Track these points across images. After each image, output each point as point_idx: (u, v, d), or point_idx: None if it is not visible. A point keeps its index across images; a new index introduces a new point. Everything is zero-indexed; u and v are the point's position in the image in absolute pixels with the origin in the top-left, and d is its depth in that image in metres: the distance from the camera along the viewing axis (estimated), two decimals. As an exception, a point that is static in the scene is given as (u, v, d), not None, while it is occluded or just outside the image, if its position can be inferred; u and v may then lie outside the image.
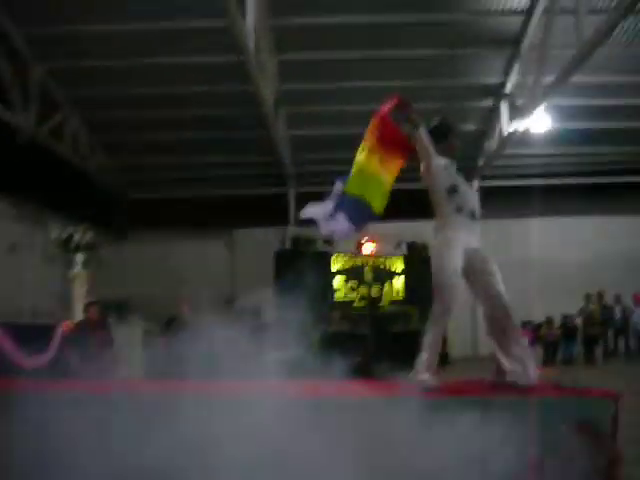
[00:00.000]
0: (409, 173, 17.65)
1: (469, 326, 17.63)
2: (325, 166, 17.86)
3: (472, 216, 4.42)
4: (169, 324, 9.14)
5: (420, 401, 3.72)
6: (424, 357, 4.20)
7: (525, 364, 4.23)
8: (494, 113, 15.90)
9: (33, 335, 7.86)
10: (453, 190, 4.42)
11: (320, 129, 16.47)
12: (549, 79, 12.33)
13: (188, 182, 18.34)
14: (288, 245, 13.92)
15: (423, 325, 14.06)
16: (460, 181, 4.49)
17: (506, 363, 4.26)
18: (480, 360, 16.97)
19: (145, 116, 15.73)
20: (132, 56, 13.54)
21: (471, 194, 4.54)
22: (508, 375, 4.19)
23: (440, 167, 4.43)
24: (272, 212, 18.12)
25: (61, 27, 12.73)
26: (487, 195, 18.39)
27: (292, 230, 16.87)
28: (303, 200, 17.51)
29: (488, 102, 15.82)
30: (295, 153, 17.50)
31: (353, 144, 15.44)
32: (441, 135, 4.58)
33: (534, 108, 13.32)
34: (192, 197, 18.08)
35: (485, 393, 3.97)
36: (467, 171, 16.58)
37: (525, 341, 4.39)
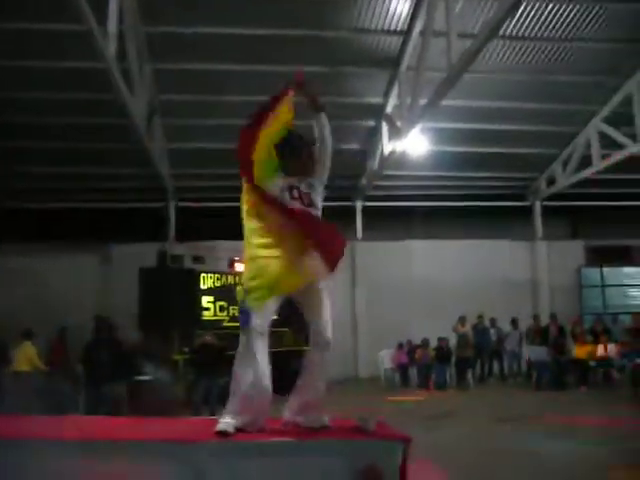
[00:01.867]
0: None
1: (350, 347, 17.52)
2: (206, 181, 17.48)
3: None
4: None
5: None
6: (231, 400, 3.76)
7: (317, 404, 3.91)
8: (376, 133, 15.85)
9: None
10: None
11: (200, 142, 15.95)
12: (424, 101, 12.36)
13: (60, 193, 17.40)
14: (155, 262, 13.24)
15: (297, 345, 13.76)
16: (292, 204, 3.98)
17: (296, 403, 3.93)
18: (358, 381, 16.89)
19: (14, 122, 14.76)
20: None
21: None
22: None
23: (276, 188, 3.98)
24: (151, 227, 17.44)
25: None
26: (369, 216, 18.68)
27: (164, 246, 16.27)
28: (184, 214, 17.05)
29: (370, 122, 15.78)
30: (174, 166, 16.89)
31: (232, 159, 14.98)
32: (286, 150, 4.11)
33: (410, 130, 13.31)
34: (64, 209, 17.15)
35: (264, 436, 3.58)
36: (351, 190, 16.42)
37: (321, 379, 4.00)
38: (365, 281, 17.99)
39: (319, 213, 4.11)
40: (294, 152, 4.09)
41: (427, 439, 7.88)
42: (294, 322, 14.66)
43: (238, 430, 3.58)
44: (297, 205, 3.96)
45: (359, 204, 18.76)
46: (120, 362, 9.78)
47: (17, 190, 17.62)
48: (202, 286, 13.33)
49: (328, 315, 3.97)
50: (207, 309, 13.34)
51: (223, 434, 3.51)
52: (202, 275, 13.31)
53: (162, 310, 12.29)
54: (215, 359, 10.08)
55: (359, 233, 18.64)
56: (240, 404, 3.69)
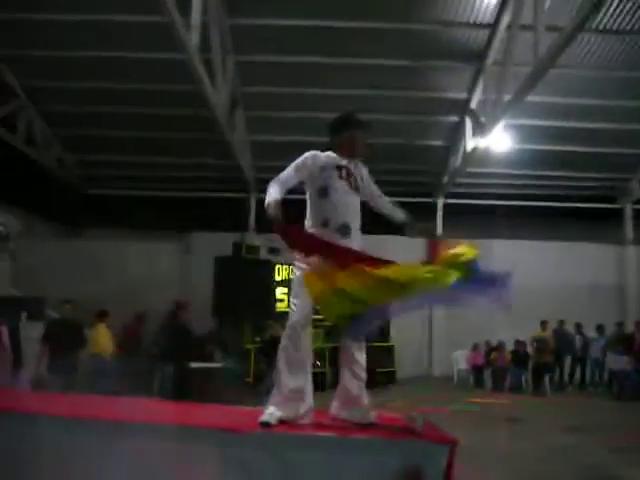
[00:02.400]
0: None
1: (425, 345, 17.28)
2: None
3: (343, 232, 3.84)
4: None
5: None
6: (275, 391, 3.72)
7: (362, 400, 3.82)
8: (459, 129, 15.50)
9: None
10: (323, 193, 3.89)
11: (281, 135, 16.02)
12: (509, 97, 11.98)
13: (143, 181, 17.90)
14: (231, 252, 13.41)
15: (367, 342, 13.63)
16: (340, 186, 3.92)
17: (341, 398, 3.85)
18: (431, 380, 16.62)
19: (102, 111, 15.30)
20: (89, 48, 13.12)
21: (349, 204, 3.94)
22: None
23: (315, 163, 3.93)
24: (232, 217, 17.69)
25: (17, 14, 12.31)
26: (449, 214, 18.30)
27: (242, 236, 16.50)
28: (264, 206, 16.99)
29: (454, 117, 15.44)
30: (256, 158, 17.07)
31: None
32: (336, 128, 4.09)
33: (494, 126, 12.95)
34: (148, 197, 17.61)
35: (306, 429, 3.52)
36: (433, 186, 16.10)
37: (363, 377, 3.90)
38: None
39: (358, 203, 3.99)
40: (349, 133, 4.03)
41: (483, 442, 7.72)
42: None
43: (281, 422, 3.53)
44: (344, 185, 3.89)
45: (440, 201, 18.44)
46: (190, 347, 9.93)
47: (102, 177, 18.26)
48: (277, 277, 13.42)
49: None
50: (281, 300, 13.42)
51: (265, 425, 3.47)
52: (277, 266, 13.39)
53: (236, 299, 12.43)
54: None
55: (439, 230, 18.30)
56: (283, 396, 3.64)
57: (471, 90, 14.28)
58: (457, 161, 16.10)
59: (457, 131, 15.69)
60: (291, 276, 13.48)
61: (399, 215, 4.24)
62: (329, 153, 4.04)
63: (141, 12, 11.49)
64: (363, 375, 3.88)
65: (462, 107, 14.83)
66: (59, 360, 7.71)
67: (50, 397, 4.91)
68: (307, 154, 3.99)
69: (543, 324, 14.92)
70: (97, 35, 12.66)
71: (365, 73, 13.86)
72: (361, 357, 3.88)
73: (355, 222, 3.96)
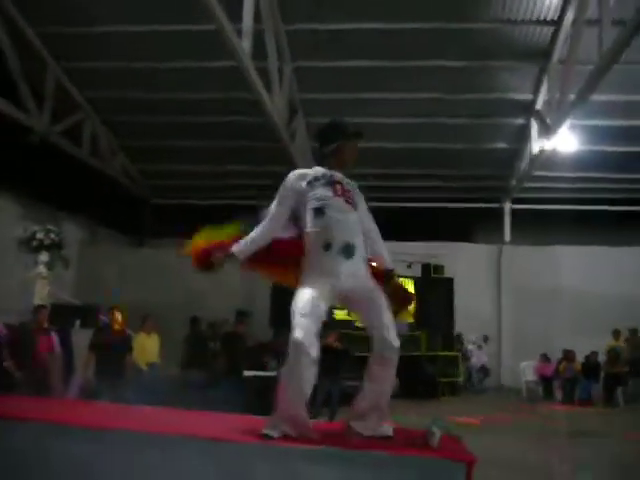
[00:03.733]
0: (421, 193, 16.94)
1: (494, 354, 16.72)
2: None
3: (347, 253, 3.50)
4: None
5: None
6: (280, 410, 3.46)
7: (379, 412, 3.56)
8: (525, 131, 14.96)
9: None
10: (318, 213, 3.56)
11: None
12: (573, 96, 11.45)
13: (209, 190, 18.07)
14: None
15: (432, 351, 13.22)
16: (336, 204, 3.57)
17: (358, 410, 3.60)
18: (499, 391, 16.03)
19: (166, 121, 15.54)
20: (151, 59, 13.34)
21: (350, 222, 3.58)
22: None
23: (300, 182, 3.63)
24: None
25: (80, 27, 12.64)
26: (517, 219, 17.71)
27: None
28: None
29: (519, 120, 14.91)
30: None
31: (378, 158, 14.81)
32: (326, 137, 3.76)
33: (559, 127, 12.41)
34: (213, 205, 17.74)
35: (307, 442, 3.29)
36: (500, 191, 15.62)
37: (387, 387, 3.63)
38: (511, 286, 17.07)
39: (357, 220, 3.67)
40: (341, 141, 3.72)
41: (538, 456, 7.28)
42: (428, 325, 14.49)
43: (284, 435, 3.32)
44: (341, 202, 3.60)
45: (507, 206, 17.88)
46: (245, 357, 9.85)
47: (166, 187, 18.55)
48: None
49: (389, 318, 3.56)
50: (340, 309, 13.18)
51: (266, 437, 3.27)
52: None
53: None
54: (337, 361, 9.83)
55: (507, 236, 17.75)
56: (286, 410, 3.41)
57: (536, 90, 13.77)
58: (524, 164, 15.56)
59: (523, 133, 15.15)
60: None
61: (386, 259, 3.81)
62: (317, 168, 3.72)
63: (197, 22, 11.51)
64: (382, 386, 3.61)
65: (527, 108, 14.32)
66: (105, 368, 7.75)
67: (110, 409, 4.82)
68: (289, 175, 3.68)
69: (616, 333, 14.17)
70: (158, 45, 12.83)
71: (426, 76, 13.56)
72: (379, 367, 3.60)
73: (358, 240, 3.59)
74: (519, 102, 14.27)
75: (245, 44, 10.40)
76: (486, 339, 16.23)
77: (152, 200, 18.71)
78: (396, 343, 3.53)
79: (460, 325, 15.12)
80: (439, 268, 14.83)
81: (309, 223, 3.58)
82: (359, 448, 3.23)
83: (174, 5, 11.54)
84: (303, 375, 3.42)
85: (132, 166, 17.68)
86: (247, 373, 9.59)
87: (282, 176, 3.71)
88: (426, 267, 14.73)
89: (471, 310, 15.59)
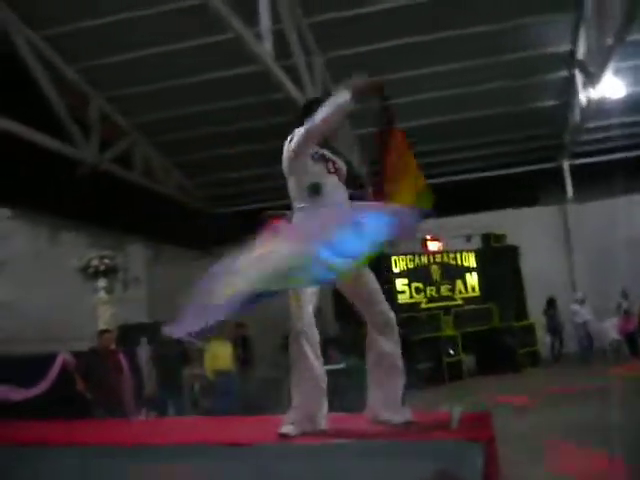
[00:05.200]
0: (473, 163, 16.60)
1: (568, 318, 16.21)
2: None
3: None
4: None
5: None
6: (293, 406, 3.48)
7: (397, 397, 3.55)
8: (570, 84, 14.45)
9: (33, 366, 7.99)
10: (315, 191, 3.58)
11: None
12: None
13: (264, 192, 18.24)
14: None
15: (506, 323, 12.98)
16: (330, 182, 3.59)
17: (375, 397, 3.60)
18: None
19: (213, 132, 15.79)
20: (187, 75, 13.60)
21: (343, 201, 3.58)
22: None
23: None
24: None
25: (114, 57, 13.03)
26: (578, 175, 17.09)
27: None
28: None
29: (562, 72, 14.41)
30: (367, 152, 16.88)
31: (425, 134, 14.54)
32: (306, 115, 3.64)
33: (603, 73, 11.93)
34: (269, 207, 17.92)
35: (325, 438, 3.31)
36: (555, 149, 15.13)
37: (399, 369, 3.62)
38: (581, 246, 16.49)
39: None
40: None
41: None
42: (495, 298, 14.18)
43: (302, 432, 3.36)
44: (334, 180, 3.61)
45: (566, 163, 17.30)
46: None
47: (223, 196, 18.87)
48: (395, 269, 13.17)
49: (382, 297, 3.58)
50: (402, 292, 13.15)
51: (284, 436, 3.32)
52: (394, 258, 13.12)
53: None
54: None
55: (570, 194, 17.20)
56: (299, 409, 3.44)
57: (574, 40, 13.25)
58: (575, 118, 15.03)
59: (568, 86, 14.63)
60: (409, 266, 13.30)
61: None
62: None
63: (222, 32, 11.62)
64: (396, 369, 3.59)
65: (568, 60, 13.79)
66: (165, 380, 8.02)
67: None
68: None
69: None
70: (191, 60, 13.03)
71: (460, 45, 13.25)
72: (390, 347, 3.56)
73: None
74: (559, 55, 13.77)
75: (266, 46, 10.51)
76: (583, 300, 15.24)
77: (211, 210, 19.08)
78: (392, 314, 3.55)
79: (531, 292, 14.71)
80: (500, 237, 14.51)
81: (303, 198, 3.59)
82: (372, 438, 3.24)
83: (195, 20, 11.70)
84: (313, 366, 3.46)
85: (187, 181, 18.08)
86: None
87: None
88: (486, 237, 14.45)
89: (541, 276, 15.14)
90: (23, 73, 12.57)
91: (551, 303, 14.96)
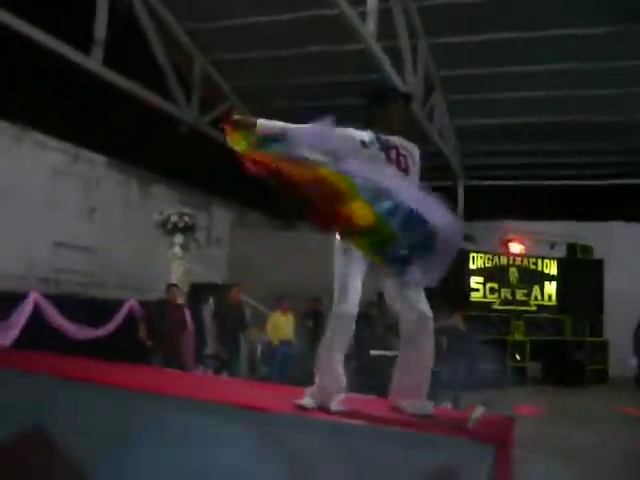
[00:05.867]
0: (569, 170, 15.99)
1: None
2: (496, 158, 16.86)
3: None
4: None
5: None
6: (315, 382, 3.53)
7: (421, 389, 3.53)
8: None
9: (100, 309, 8.37)
10: None
11: (487, 118, 15.38)
12: None
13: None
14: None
15: (578, 336, 12.61)
16: (389, 171, 3.52)
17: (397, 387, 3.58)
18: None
19: (306, 105, 15.83)
20: (291, 46, 13.73)
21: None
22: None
23: (357, 138, 3.52)
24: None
25: (222, 21, 13.32)
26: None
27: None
28: (472, 193, 16.53)
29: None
30: (462, 144, 16.60)
31: (522, 133, 14.25)
32: (370, 100, 3.73)
33: None
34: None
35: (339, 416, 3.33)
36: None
37: (423, 361, 3.58)
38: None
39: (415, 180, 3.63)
40: (385, 104, 3.67)
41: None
42: (571, 310, 13.68)
43: (320, 407, 3.39)
44: (393, 169, 3.56)
45: (670, 181, 16.39)
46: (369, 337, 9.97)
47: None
48: (472, 266, 12.94)
49: (417, 288, 3.52)
50: (476, 290, 12.93)
51: (302, 408, 3.36)
52: (472, 254, 12.90)
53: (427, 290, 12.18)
54: (461, 342, 9.66)
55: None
56: (322, 388, 3.47)
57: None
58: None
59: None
60: (486, 264, 13.04)
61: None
62: (368, 132, 3.61)
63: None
64: (425, 360, 3.56)
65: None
66: (224, 341, 8.25)
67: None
68: (351, 129, 3.56)
69: None
70: (295, 32, 13.10)
71: (570, 45, 12.77)
72: (428, 336, 3.54)
73: None
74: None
75: (370, 26, 10.46)
76: None
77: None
78: (429, 312, 3.50)
79: (612, 310, 14.11)
80: (587, 249, 14.00)
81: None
82: (387, 424, 3.25)
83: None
84: (344, 346, 3.49)
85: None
86: (373, 352, 9.72)
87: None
88: (572, 247, 13.97)
89: (626, 294, 14.45)
90: (134, 28, 13.05)
91: None
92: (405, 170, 3.61)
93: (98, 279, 12.07)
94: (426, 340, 3.52)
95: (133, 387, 3.87)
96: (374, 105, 3.73)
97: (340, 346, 3.48)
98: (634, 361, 13.68)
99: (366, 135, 3.58)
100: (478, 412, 3.34)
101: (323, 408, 3.39)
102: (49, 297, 8.38)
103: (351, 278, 3.46)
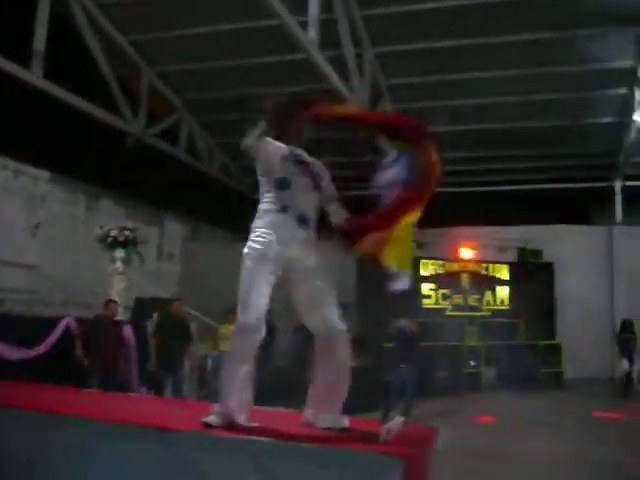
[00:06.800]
0: (519, 174, 16.10)
1: (606, 344, 15.62)
2: (444, 165, 16.89)
3: (300, 220, 3.46)
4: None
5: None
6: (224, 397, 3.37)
7: (335, 402, 3.42)
8: (629, 102, 13.87)
9: (34, 328, 8.12)
10: (283, 185, 3.53)
11: (436, 126, 15.41)
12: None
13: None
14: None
15: (531, 339, 12.61)
16: (301, 182, 3.52)
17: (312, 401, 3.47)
18: (610, 384, 14.96)
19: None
20: (239, 56, 13.63)
21: (309, 197, 3.54)
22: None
23: (277, 152, 3.54)
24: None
25: (169, 31, 13.15)
26: (630, 198, 16.38)
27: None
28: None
29: (621, 89, 13.85)
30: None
31: (470, 140, 14.19)
32: (279, 114, 3.66)
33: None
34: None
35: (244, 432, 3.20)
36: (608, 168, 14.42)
37: (338, 374, 3.47)
38: (625, 271, 15.82)
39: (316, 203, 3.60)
40: (293, 118, 3.62)
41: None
42: (524, 314, 13.77)
43: (227, 424, 3.26)
44: (306, 182, 3.51)
45: (618, 184, 16.64)
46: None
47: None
48: (422, 272, 12.94)
49: (331, 299, 3.46)
50: (428, 297, 12.92)
51: (207, 425, 3.23)
52: (422, 261, 12.89)
53: (377, 296, 12.08)
54: (412, 348, 9.55)
55: (619, 217, 16.55)
56: (231, 404, 3.33)
57: (637, 56, 12.70)
58: (631, 137, 14.45)
59: (627, 104, 14.04)
60: (438, 271, 13.03)
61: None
62: (280, 144, 3.58)
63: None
64: (341, 372, 3.46)
65: (629, 77, 13.25)
66: (167, 355, 8.07)
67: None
68: (267, 140, 3.56)
69: None
70: (243, 43, 13.03)
71: (515, 51, 12.92)
72: (342, 349, 3.44)
73: (312, 218, 3.55)
74: (619, 70, 13.24)
75: (312, 34, 10.40)
76: None
77: (253, 195, 19.07)
78: (340, 325, 3.41)
79: (564, 312, 14.24)
80: (537, 252, 14.12)
81: (270, 190, 3.52)
82: (294, 440, 3.12)
83: (245, 3, 11.67)
84: (250, 359, 3.37)
85: (232, 163, 18.11)
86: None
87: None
88: (522, 251, 14.08)
89: (577, 296, 14.62)
90: (78, 41, 12.81)
91: (627, 326, 13.98)
92: (316, 188, 3.57)
93: (44, 297, 11.77)
94: (340, 353, 3.43)
95: (40, 409, 3.70)
96: (284, 118, 3.64)
97: (244, 359, 3.35)
98: (625, 362, 13.47)
99: (284, 149, 3.55)
100: (393, 424, 3.24)
101: (230, 424, 3.25)
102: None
103: (255, 290, 3.34)
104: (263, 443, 3.05)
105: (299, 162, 3.56)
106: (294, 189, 3.49)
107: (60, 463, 3.30)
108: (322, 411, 3.40)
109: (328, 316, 3.41)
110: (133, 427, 3.29)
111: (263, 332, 3.36)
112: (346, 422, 3.36)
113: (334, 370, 3.43)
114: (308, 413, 3.47)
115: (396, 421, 3.33)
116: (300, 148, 3.65)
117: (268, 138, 3.55)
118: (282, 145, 3.57)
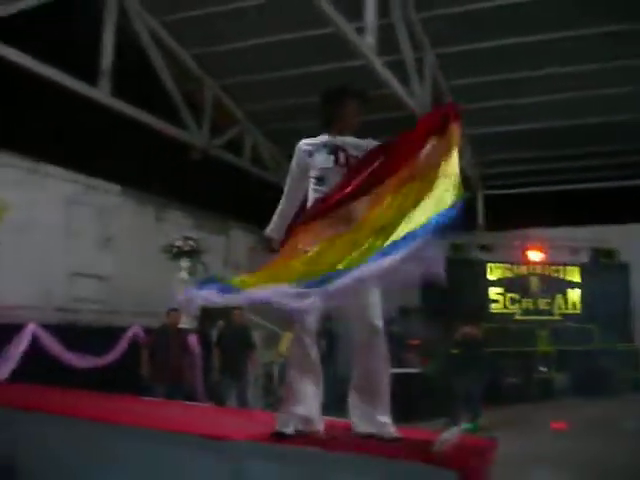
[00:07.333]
0: (590, 172, 15.63)
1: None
2: (515, 166, 16.54)
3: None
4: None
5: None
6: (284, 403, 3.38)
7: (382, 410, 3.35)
8: None
9: (103, 337, 8.32)
10: (320, 181, 3.50)
11: (502, 125, 15.12)
12: None
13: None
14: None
15: (606, 344, 12.30)
16: (338, 172, 3.45)
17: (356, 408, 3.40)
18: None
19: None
20: (297, 66, 13.70)
21: None
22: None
23: (301, 150, 3.61)
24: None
25: (229, 44, 13.37)
26: None
27: (475, 236, 15.75)
28: (492, 203, 16.02)
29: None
30: (479, 153, 16.32)
31: (538, 138, 13.85)
32: (325, 101, 3.67)
33: None
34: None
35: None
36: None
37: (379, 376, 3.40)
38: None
39: None
40: (339, 102, 3.59)
41: None
42: (597, 317, 13.26)
43: (298, 433, 3.22)
44: (343, 172, 3.45)
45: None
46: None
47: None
48: (490, 276, 12.67)
49: (373, 296, 3.35)
50: (496, 301, 12.64)
51: (280, 435, 3.19)
52: (489, 265, 12.63)
53: (443, 301, 11.90)
54: (477, 355, 9.38)
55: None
56: (293, 410, 3.31)
57: None
58: None
59: None
60: (506, 274, 12.75)
61: None
62: (321, 136, 3.62)
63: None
64: (382, 377, 3.37)
65: None
66: (229, 364, 8.14)
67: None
68: (297, 147, 3.68)
69: None
70: (292, 54, 13.14)
71: (583, 46, 12.47)
72: (380, 348, 3.35)
73: None
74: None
75: (369, 40, 10.37)
76: None
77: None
78: (378, 323, 3.33)
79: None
80: (612, 253, 13.60)
81: (310, 188, 3.55)
82: (345, 450, 3.07)
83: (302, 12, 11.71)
84: (308, 364, 3.34)
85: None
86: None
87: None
88: (595, 252, 13.59)
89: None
90: (141, 58, 13.17)
91: None
92: None
93: (114, 307, 12.10)
94: (379, 352, 3.35)
95: (99, 419, 3.78)
96: (328, 106, 3.64)
97: (301, 363, 3.34)
98: None
99: (310, 144, 3.59)
100: (449, 434, 3.16)
101: (297, 434, 3.23)
102: (58, 327, 8.39)
103: None
104: (314, 454, 3.03)
105: (337, 150, 3.49)
106: (328, 183, 3.47)
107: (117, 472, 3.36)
108: (366, 418, 3.33)
109: (368, 313, 3.33)
110: (189, 436, 3.32)
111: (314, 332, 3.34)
112: (393, 431, 3.27)
113: (373, 371, 3.35)
114: (355, 421, 3.40)
115: (453, 431, 3.24)
116: (349, 135, 3.58)
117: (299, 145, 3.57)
118: (311, 141, 3.62)
